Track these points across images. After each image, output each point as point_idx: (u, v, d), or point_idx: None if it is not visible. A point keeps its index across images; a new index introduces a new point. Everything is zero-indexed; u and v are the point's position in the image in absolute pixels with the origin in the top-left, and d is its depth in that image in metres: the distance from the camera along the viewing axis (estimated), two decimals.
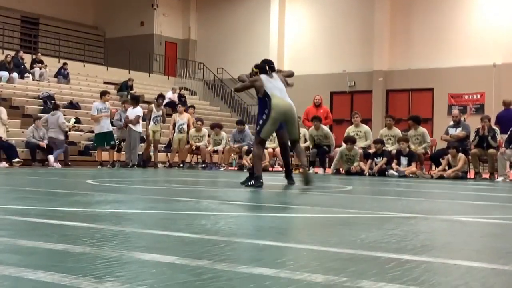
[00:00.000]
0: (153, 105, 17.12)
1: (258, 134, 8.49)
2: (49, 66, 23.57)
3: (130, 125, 15.87)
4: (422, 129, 14.91)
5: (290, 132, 8.59)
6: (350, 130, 15.56)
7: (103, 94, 16.52)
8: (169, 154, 18.01)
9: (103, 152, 16.18)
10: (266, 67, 8.69)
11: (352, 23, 26.39)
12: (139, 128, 15.99)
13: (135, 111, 16.02)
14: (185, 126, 17.34)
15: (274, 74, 8.67)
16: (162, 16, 30.78)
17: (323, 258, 2.72)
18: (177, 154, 17.50)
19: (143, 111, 16.50)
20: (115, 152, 16.30)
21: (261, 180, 8.14)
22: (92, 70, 26.47)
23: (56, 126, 16.01)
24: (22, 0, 28.76)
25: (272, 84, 8.43)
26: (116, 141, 16.46)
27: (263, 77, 8.48)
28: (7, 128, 15.62)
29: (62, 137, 16.12)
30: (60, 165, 15.64)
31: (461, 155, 13.59)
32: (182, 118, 17.51)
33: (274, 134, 9.48)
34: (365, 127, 15.75)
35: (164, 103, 23.11)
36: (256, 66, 8.79)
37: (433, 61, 24.38)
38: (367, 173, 14.15)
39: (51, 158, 15.48)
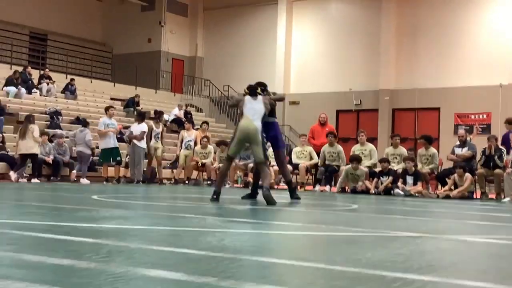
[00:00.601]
0: (152, 122, 17.11)
1: (227, 151, 9.02)
2: (57, 82, 23.67)
3: (134, 141, 15.91)
4: (433, 150, 14.89)
5: (254, 154, 8.79)
6: (356, 148, 15.54)
7: (107, 109, 16.66)
8: (175, 170, 18.00)
9: (108, 168, 16.22)
10: (257, 89, 8.99)
11: (358, 41, 26.47)
12: (143, 144, 16.03)
13: (140, 127, 16.07)
14: (192, 143, 17.35)
15: (259, 97, 8.89)
16: (169, 33, 30.94)
17: (328, 277, 2.72)
18: (183, 170, 17.50)
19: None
20: (121, 168, 16.33)
21: (215, 196, 8.40)
22: (99, 86, 26.58)
23: (83, 142, 16.20)
24: (31, 16, 28.98)
25: (251, 106, 8.75)
26: (127, 157, 16.51)
27: (246, 98, 8.88)
28: (40, 144, 15.68)
29: (89, 151, 16.32)
30: (89, 181, 15.73)
31: (467, 175, 13.53)
32: (190, 135, 17.52)
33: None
34: (370, 146, 15.71)
35: (170, 120, 23.28)
36: (248, 87, 9.10)
37: (440, 81, 24.40)
38: (373, 192, 14.12)
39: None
